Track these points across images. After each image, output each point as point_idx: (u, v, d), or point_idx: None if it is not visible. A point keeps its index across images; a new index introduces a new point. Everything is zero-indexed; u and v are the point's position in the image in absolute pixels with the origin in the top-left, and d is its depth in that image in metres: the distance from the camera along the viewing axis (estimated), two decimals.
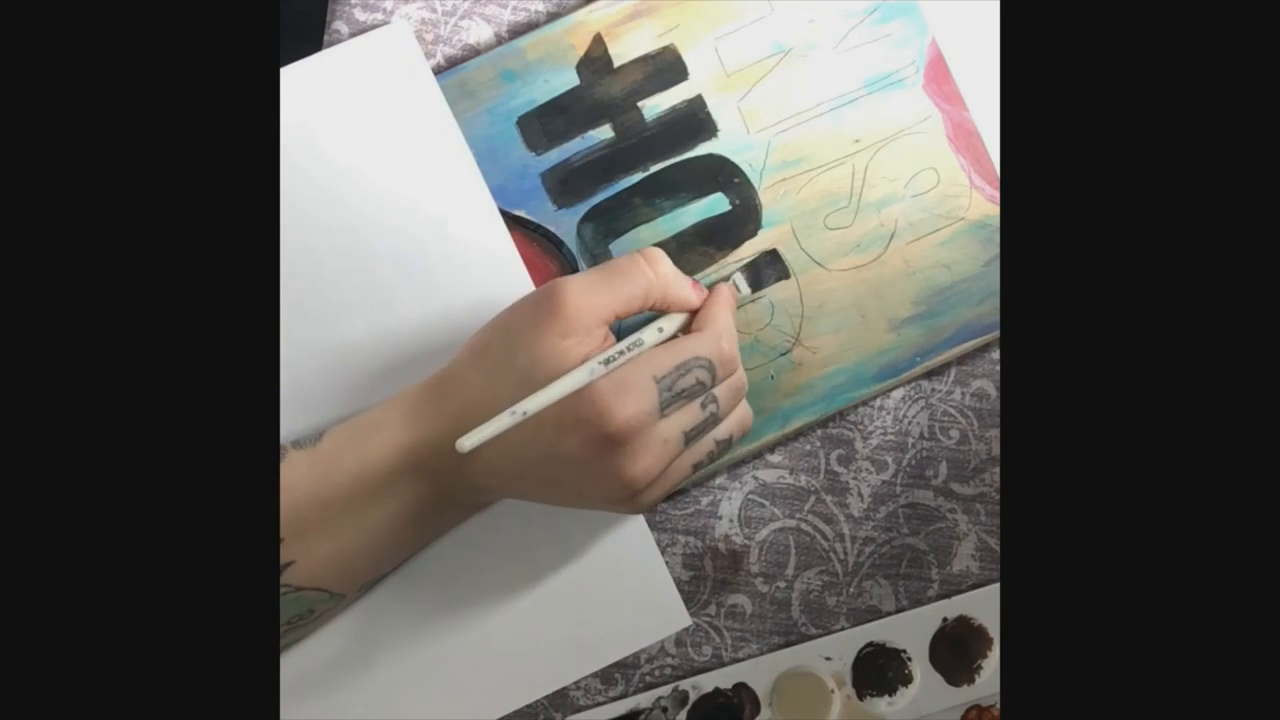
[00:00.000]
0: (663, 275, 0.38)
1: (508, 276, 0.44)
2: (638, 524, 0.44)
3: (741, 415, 0.40)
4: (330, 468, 0.37)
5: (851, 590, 0.46)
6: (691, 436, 0.38)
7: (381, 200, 0.43)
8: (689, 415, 0.37)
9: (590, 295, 0.36)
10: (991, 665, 0.46)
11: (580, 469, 0.36)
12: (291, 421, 0.42)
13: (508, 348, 0.37)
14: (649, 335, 0.38)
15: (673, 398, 0.36)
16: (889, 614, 0.46)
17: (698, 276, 0.45)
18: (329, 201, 0.43)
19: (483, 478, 0.38)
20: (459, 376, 0.38)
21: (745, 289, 0.44)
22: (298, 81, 0.43)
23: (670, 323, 0.39)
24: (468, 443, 0.34)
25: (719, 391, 0.38)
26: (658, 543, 0.45)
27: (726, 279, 0.44)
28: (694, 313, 0.40)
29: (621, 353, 0.36)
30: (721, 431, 0.39)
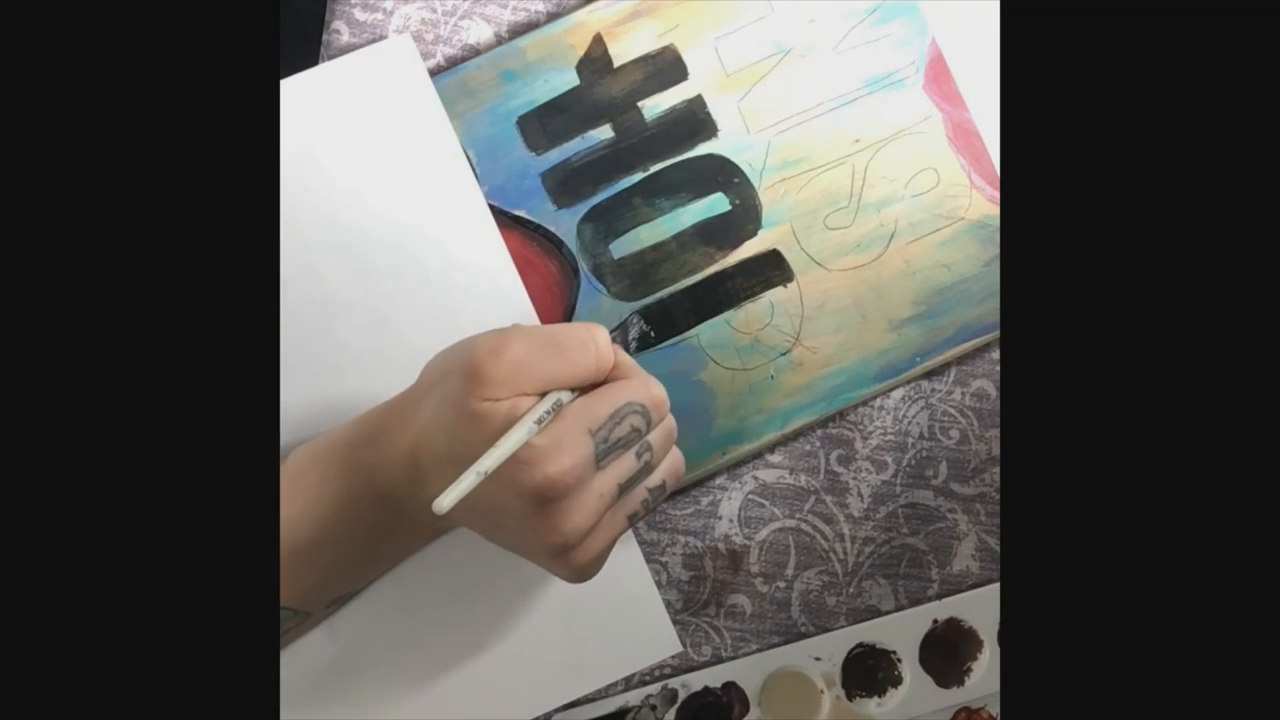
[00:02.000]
0: (605, 367, 0.37)
1: (505, 294, 0.44)
2: (632, 549, 0.44)
3: (674, 461, 0.39)
4: (290, 489, 0.37)
5: (851, 590, 0.46)
6: (626, 487, 0.36)
7: (380, 215, 0.43)
8: (624, 466, 0.36)
9: (523, 366, 0.35)
10: (981, 668, 0.46)
11: (515, 520, 0.35)
12: (290, 433, 0.42)
13: (441, 401, 0.36)
14: (565, 396, 0.36)
15: (608, 449, 0.35)
16: (889, 614, 0.46)
17: (698, 277, 0.45)
18: (327, 214, 0.43)
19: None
20: (417, 403, 0.37)
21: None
22: (299, 93, 0.43)
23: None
24: (445, 503, 0.32)
25: (652, 438, 0.37)
26: (657, 543, 0.45)
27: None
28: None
29: (548, 410, 0.35)
30: (654, 479, 0.38)
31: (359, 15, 0.45)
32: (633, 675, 0.45)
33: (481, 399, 0.34)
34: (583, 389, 0.37)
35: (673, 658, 0.45)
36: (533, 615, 0.44)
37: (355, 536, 0.38)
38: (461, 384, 0.35)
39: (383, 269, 0.43)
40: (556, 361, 0.35)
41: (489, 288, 0.44)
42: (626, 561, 0.44)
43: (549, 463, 0.34)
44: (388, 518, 0.38)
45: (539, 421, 0.34)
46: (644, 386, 0.37)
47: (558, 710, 0.45)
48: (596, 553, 0.36)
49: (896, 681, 0.46)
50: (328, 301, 0.43)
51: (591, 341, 0.36)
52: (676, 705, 0.45)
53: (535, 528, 0.35)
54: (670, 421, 0.38)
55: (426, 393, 0.37)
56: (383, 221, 0.43)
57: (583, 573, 0.37)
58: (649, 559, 0.45)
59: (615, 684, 0.45)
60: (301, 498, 0.37)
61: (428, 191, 0.43)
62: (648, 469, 0.37)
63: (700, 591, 0.46)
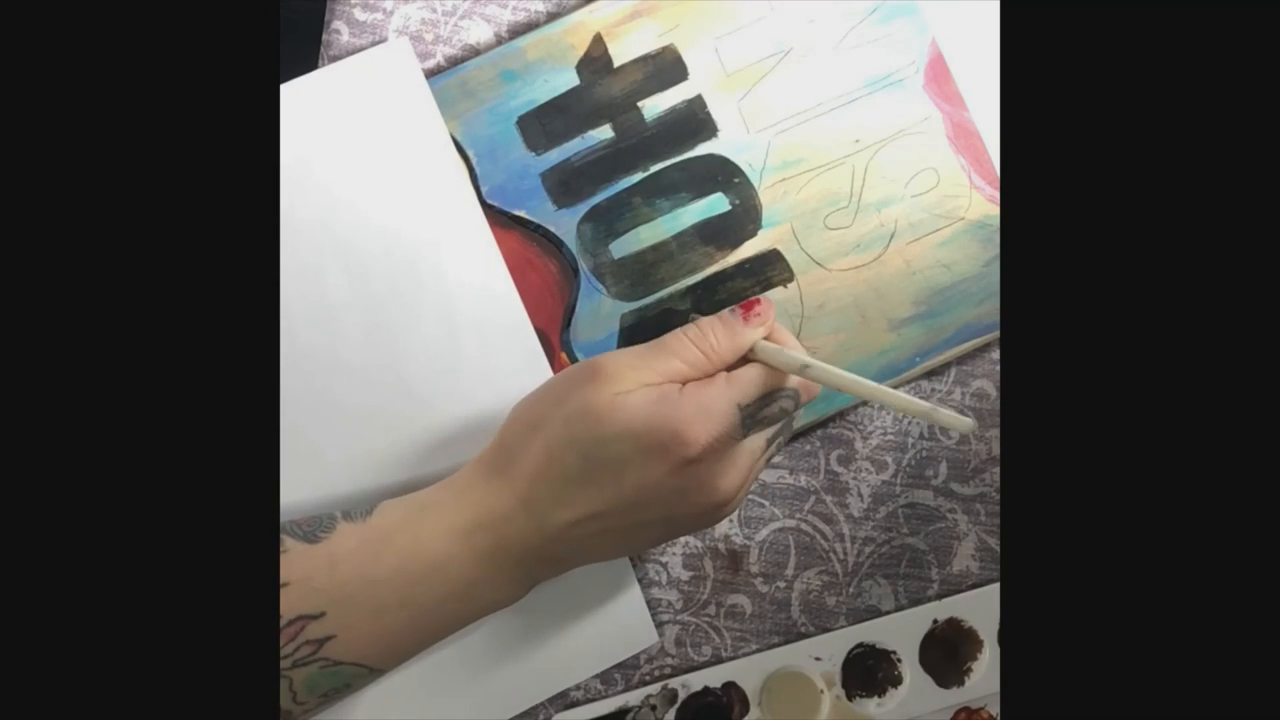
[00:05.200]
0: (709, 349, 0.37)
1: (500, 301, 0.44)
2: None
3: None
4: (381, 547, 0.36)
5: (851, 590, 0.46)
6: (774, 440, 0.38)
7: (374, 219, 0.43)
8: (771, 430, 0.38)
9: (631, 366, 0.36)
10: (981, 668, 0.46)
11: (669, 496, 0.36)
12: (284, 436, 0.42)
13: (565, 420, 0.36)
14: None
15: (754, 424, 0.37)
16: (888, 614, 0.46)
17: (698, 277, 0.45)
18: (322, 218, 0.43)
19: (559, 545, 0.37)
20: (515, 451, 0.37)
21: None
22: (295, 98, 0.43)
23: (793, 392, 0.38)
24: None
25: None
26: None
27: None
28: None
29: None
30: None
31: (359, 15, 0.45)
32: (633, 675, 0.45)
33: (615, 393, 0.35)
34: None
35: (672, 658, 0.45)
36: (510, 609, 0.43)
37: (446, 594, 0.37)
38: (588, 392, 0.36)
39: (377, 274, 0.43)
40: (661, 355, 0.37)
41: (484, 294, 0.43)
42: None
43: (696, 429, 0.35)
44: (481, 573, 0.37)
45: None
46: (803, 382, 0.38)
47: (559, 710, 0.45)
48: (743, 497, 0.38)
49: (896, 681, 0.46)
50: (321, 305, 0.43)
51: (684, 334, 0.38)
52: (676, 705, 0.45)
53: (688, 492, 0.36)
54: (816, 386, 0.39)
55: (528, 435, 0.37)
56: (377, 226, 0.43)
57: (727, 517, 0.39)
58: (649, 559, 0.45)
59: (615, 684, 0.45)
60: (393, 558, 0.36)
61: (422, 196, 0.43)
62: (790, 425, 0.39)
63: (700, 591, 0.46)
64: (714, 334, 0.38)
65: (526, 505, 0.36)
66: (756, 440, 0.37)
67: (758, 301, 0.39)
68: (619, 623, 0.44)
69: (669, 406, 0.35)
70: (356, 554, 0.36)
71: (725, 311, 0.39)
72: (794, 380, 0.38)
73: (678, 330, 0.38)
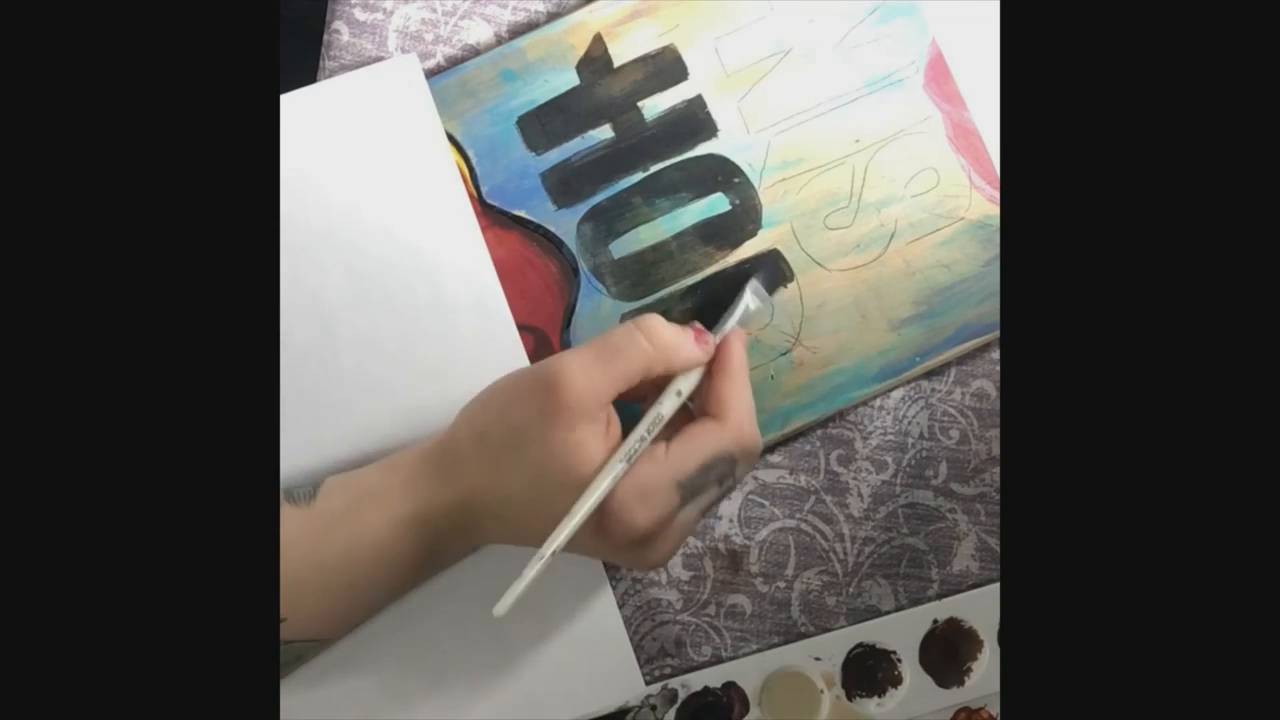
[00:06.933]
0: (662, 346, 0.37)
1: (494, 324, 0.43)
2: (604, 592, 0.43)
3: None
4: (326, 533, 0.37)
5: (851, 590, 0.46)
6: (709, 511, 0.38)
7: (374, 235, 0.43)
8: (708, 498, 0.38)
9: (589, 380, 0.35)
10: (981, 668, 0.46)
11: (598, 554, 0.38)
12: (283, 445, 0.42)
13: (513, 440, 0.36)
14: (666, 407, 0.37)
15: (693, 495, 0.36)
16: (888, 614, 0.46)
17: (698, 277, 0.45)
18: (321, 232, 0.43)
19: (490, 541, 0.40)
20: (461, 454, 0.37)
21: (757, 304, 0.42)
22: (300, 108, 0.43)
23: (686, 383, 0.38)
24: (501, 608, 0.34)
25: (738, 469, 0.38)
26: None
27: (741, 278, 0.43)
28: (710, 364, 0.39)
29: (642, 438, 0.36)
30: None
31: (359, 15, 0.45)
32: (643, 678, 0.45)
33: (570, 428, 0.35)
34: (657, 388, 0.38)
35: (672, 658, 0.45)
36: (494, 651, 0.43)
37: (391, 577, 0.38)
38: (540, 422, 0.35)
39: (373, 289, 0.43)
40: (616, 363, 0.36)
41: (479, 320, 0.43)
42: (598, 603, 0.43)
43: (638, 516, 0.35)
44: (423, 558, 0.38)
45: (628, 458, 0.36)
46: (736, 431, 0.37)
47: None
48: (672, 557, 0.39)
49: (896, 681, 0.46)
50: (316, 317, 0.43)
51: (637, 331, 0.37)
52: (676, 705, 0.45)
53: (621, 559, 0.38)
54: (757, 447, 0.39)
55: (475, 443, 0.37)
56: (376, 245, 0.43)
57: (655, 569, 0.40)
58: None
59: None
60: (340, 544, 0.37)
61: (422, 211, 0.43)
62: (729, 491, 0.38)
63: (700, 591, 0.46)
64: (666, 330, 0.37)
65: (468, 510, 0.37)
66: (691, 513, 0.37)
67: (703, 334, 0.39)
68: (603, 670, 0.43)
69: (611, 493, 0.35)
70: (303, 540, 0.37)
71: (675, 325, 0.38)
72: (730, 445, 0.37)
73: (626, 325, 0.37)
